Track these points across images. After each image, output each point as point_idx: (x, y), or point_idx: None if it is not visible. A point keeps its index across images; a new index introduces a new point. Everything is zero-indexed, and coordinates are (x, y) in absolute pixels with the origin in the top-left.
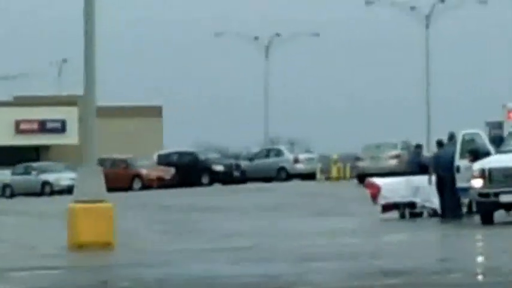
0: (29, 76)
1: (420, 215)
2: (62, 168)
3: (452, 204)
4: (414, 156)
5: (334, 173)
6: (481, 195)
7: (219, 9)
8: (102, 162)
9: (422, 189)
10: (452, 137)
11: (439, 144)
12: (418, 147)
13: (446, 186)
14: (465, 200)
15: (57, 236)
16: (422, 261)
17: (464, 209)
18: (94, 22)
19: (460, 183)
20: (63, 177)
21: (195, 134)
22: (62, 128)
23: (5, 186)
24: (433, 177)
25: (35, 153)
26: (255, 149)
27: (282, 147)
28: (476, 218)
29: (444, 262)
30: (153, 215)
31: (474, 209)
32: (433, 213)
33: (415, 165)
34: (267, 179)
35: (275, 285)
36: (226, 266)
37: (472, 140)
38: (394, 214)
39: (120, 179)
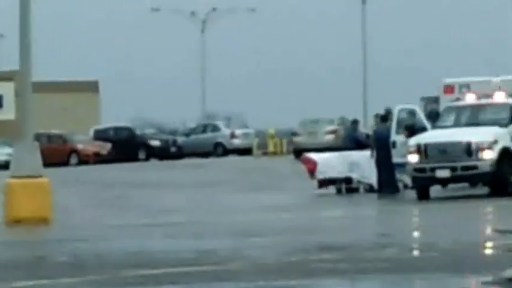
0: None
1: (357, 190)
2: None
3: (388, 180)
4: (350, 132)
5: (270, 148)
6: (417, 170)
7: None
8: (38, 137)
9: (359, 164)
10: (388, 113)
11: (382, 119)
12: (355, 122)
13: (383, 161)
14: (403, 176)
15: None
16: (358, 236)
17: (401, 185)
18: None
19: (396, 159)
20: None
21: (132, 109)
22: None
23: None
24: (374, 152)
25: None
26: (192, 125)
27: (219, 123)
28: (412, 193)
29: (380, 237)
30: (89, 190)
31: (409, 184)
32: (370, 189)
33: (351, 141)
34: (204, 155)
35: (211, 261)
36: (163, 241)
37: (408, 116)
38: (331, 189)
39: (57, 154)
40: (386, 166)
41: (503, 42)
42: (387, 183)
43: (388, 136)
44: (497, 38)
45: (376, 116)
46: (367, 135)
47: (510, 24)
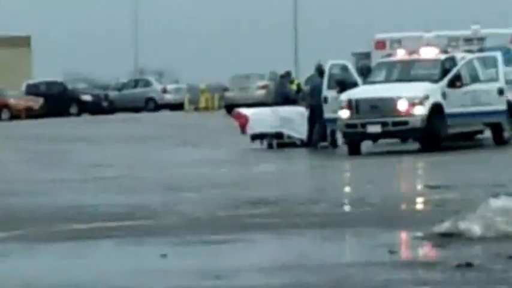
0: None
1: (288, 145)
2: None
3: (319, 135)
4: (279, 87)
5: (202, 103)
6: (348, 126)
7: None
8: None
9: (290, 119)
10: (320, 68)
11: (319, 72)
12: (283, 77)
13: (315, 117)
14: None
15: None
16: (289, 191)
17: (329, 140)
18: None
19: (327, 114)
20: None
21: (65, 64)
22: None
23: None
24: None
25: None
26: (124, 80)
27: (151, 78)
28: (343, 149)
29: (312, 192)
30: (21, 145)
31: (339, 140)
32: (301, 144)
33: (280, 96)
34: (136, 110)
35: (143, 215)
36: (95, 196)
37: (340, 71)
38: (262, 144)
39: None
40: (317, 121)
41: None
42: (318, 138)
43: (319, 91)
44: None
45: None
46: (298, 90)
47: None
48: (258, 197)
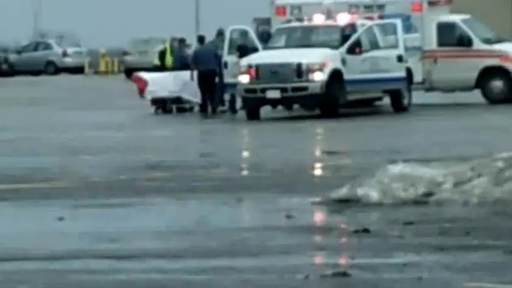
0: None
1: (187, 110)
2: None
3: (217, 100)
4: (177, 51)
5: (102, 67)
6: (247, 91)
7: None
8: None
9: (189, 84)
10: (220, 33)
11: (200, 40)
12: (182, 41)
13: (210, 82)
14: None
15: None
16: (188, 156)
17: (228, 105)
18: None
19: (227, 79)
20: None
21: None
22: None
23: None
24: (195, 73)
25: None
26: (24, 42)
27: (51, 41)
28: (242, 114)
29: (210, 157)
30: None
31: (238, 105)
32: (201, 109)
33: (180, 60)
34: (36, 73)
35: (40, 178)
36: None
37: (240, 36)
38: (162, 109)
39: None
40: (215, 86)
41: None
42: (216, 103)
43: (215, 56)
44: None
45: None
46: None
47: None
48: (156, 161)
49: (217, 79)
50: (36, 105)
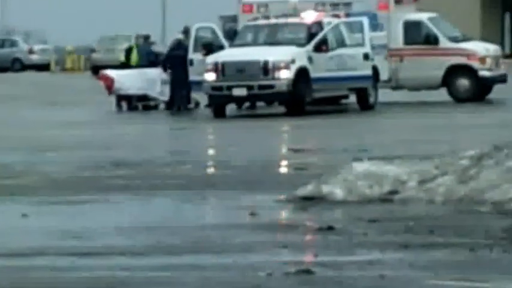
0: None
1: (153, 107)
2: None
3: (184, 98)
4: (143, 48)
5: (68, 64)
6: (214, 88)
7: None
8: None
9: (155, 81)
10: (187, 31)
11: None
12: (146, 38)
13: (178, 80)
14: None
15: None
16: (153, 153)
17: (193, 103)
18: None
19: (193, 77)
20: None
21: None
22: None
23: None
24: (167, 71)
25: None
26: None
27: (17, 38)
28: (208, 112)
29: (175, 154)
30: None
31: (203, 102)
32: (167, 106)
33: (145, 57)
34: (1, 70)
35: (5, 175)
36: None
37: (206, 34)
38: (128, 106)
39: None
40: (182, 84)
41: None
42: (183, 101)
43: (184, 54)
44: None
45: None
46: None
47: None
48: (120, 158)
49: None
50: (2, 102)
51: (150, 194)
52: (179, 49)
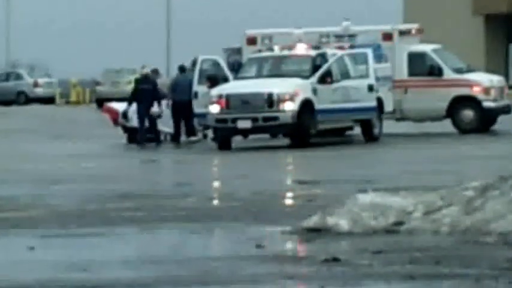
0: None
1: (158, 139)
2: None
3: (189, 130)
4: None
5: (73, 97)
6: (218, 121)
7: None
8: None
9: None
10: (195, 63)
11: (181, 69)
12: (154, 72)
13: (184, 112)
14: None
15: None
16: (159, 185)
17: (200, 135)
18: None
19: (197, 109)
20: None
21: None
22: None
23: None
24: (169, 102)
25: None
26: None
27: (22, 71)
28: (213, 144)
29: (181, 186)
30: None
31: (210, 135)
32: (172, 138)
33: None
34: (6, 103)
35: (11, 207)
36: None
37: (211, 66)
38: (133, 138)
39: None
40: (187, 116)
41: None
42: (188, 133)
43: (190, 86)
44: None
45: (179, 67)
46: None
47: None
48: (126, 190)
49: None
50: (7, 135)
51: (156, 226)
52: (147, 83)
